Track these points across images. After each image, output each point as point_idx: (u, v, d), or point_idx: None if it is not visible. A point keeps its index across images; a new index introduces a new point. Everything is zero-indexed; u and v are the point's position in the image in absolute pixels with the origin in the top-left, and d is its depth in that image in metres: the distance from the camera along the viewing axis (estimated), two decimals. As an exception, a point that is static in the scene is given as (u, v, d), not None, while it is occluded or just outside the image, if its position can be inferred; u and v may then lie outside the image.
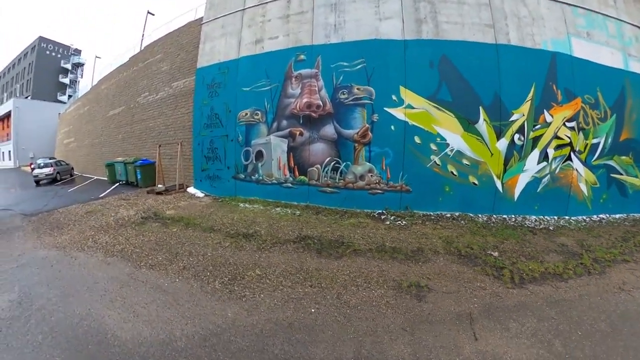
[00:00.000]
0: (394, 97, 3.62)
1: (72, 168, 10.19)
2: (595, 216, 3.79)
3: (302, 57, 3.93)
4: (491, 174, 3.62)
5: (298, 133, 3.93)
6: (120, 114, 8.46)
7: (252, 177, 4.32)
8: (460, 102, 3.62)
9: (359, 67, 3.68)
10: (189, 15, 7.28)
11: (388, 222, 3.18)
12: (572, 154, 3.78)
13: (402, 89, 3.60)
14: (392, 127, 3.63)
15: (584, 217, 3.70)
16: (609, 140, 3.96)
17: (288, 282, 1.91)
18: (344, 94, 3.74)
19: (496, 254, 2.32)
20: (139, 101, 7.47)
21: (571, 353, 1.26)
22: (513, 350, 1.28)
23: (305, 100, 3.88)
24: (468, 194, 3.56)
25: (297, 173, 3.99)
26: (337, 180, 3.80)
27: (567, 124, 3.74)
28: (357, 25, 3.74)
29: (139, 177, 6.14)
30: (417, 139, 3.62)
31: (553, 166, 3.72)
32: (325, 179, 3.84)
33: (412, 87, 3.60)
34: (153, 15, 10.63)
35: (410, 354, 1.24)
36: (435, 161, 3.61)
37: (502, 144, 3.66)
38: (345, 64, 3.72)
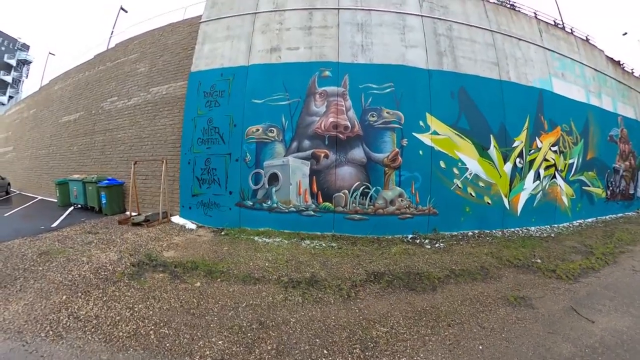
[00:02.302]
0: (421, 123, 3.81)
1: (9, 184, 7.70)
2: (575, 222, 4.95)
3: (327, 73, 3.81)
4: (500, 193, 4.20)
5: (323, 155, 3.68)
6: (78, 121, 6.69)
7: (264, 204, 3.79)
8: (476, 130, 4.08)
9: (387, 90, 3.77)
10: (177, 15, 6.40)
11: (429, 247, 3.25)
12: (556, 172, 4.85)
13: (428, 115, 3.83)
14: (420, 152, 3.77)
15: (567, 224, 4.79)
16: (580, 160, 5.25)
17: (422, 329, 1.69)
18: (373, 117, 3.74)
19: (539, 260, 2.84)
20: (103, 107, 6.03)
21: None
22: (618, 322, 1.78)
23: (331, 119, 3.71)
24: (483, 212, 4.04)
25: (320, 199, 3.69)
26: (366, 206, 3.65)
27: (552, 148, 4.78)
28: (385, 49, 3.89)
29: (103, 200, 4.74)
30: (442, 164, 3.87)
31: (544, 184, 4.66)
32: (354, 205, 3.66)
33: (437, 114, 3.87)
34: (126, 12, 9.07)
35: (569, 341, 1.60)
36: (457, 184, 3.92)
37: (508, 167, 4.32)
38: (374, 86, 3.77)
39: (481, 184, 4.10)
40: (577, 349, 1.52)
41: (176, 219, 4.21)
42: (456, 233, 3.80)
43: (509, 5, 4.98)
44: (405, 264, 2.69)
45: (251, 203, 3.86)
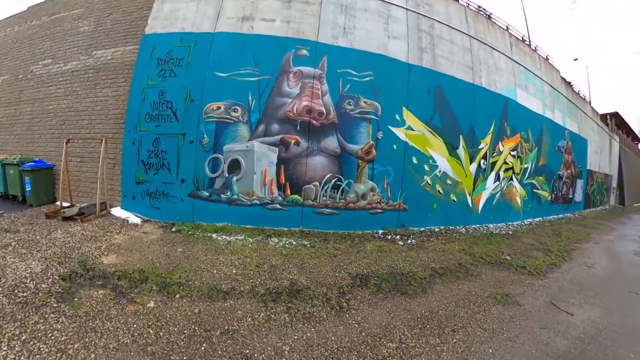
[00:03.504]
0: (397, 117, 3.83)
1: None
2: (526, 221, 5.72)
3: (305, 52, 3.55)
4: (465, 192, 4.55)
5: (294, 142, 3.43)
6: (1, 87, 5.28)
7: (222, 195, 3.39)
8: (447, 129, 4.29)
9: (367, 79, 3.68)
10: None
11: (402, 243, 3.31)
12: (513, 175, 5.50)
13: (404, 110, 3.87)
14: (395, 147, 3.80)
15: (519, 222, 5.48)
16: (533, 165, 6.05)
17: (431, 338, 1.64)
18: (350, 105, 3.61)
19: (508, 257, 3.12)
20: (34, 71, 4.88)
21: (608, 301, 2.33)
22: (591, 313, 2.06)
23: (305, 103, 3.47)
24: (449, 209, 4.32)
25: (288, 191, 3.45)
26: (337, 200, 3.55)
27: (511, 152, 5.37)
28: (368, 35, 3.77)
29: (28, 188, 3.72)
30: (414, 160, 3.97)
31: (502, 185, 5.24)
32: (324, 198, 3.52)
33: (413, 110, 3.93)
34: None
35: (560, 334, 1.79)
36: (427, 181, 4.09)
37: (473, 167, 4.70)
38: (353, 72, 3.63)
39: (449, 181, 4.35)
40: (568, 341, 1.69)
41: (117, 211, 3.53)
42: (424, 229, 3.97)
43: (485, 15, 5.34)
44: (385, 263, 2.64)
45: (207, 194, 3.42)
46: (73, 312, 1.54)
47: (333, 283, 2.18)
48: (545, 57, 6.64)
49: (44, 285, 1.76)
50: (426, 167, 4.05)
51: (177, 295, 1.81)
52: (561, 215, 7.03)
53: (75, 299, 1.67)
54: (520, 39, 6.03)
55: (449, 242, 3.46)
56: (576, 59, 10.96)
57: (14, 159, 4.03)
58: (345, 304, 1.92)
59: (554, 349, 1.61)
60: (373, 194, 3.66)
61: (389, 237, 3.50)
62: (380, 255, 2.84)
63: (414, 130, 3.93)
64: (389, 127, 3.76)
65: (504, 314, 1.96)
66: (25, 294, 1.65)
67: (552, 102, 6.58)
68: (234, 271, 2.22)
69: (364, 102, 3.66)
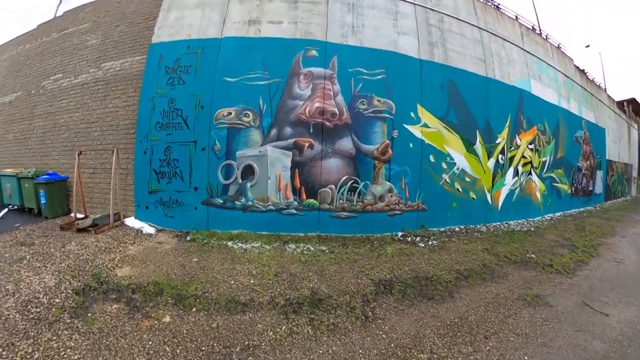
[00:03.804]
0: (412, 115, 3.72)
1: None
2: (546, 216, 5.50)
3: (314, 52, 3.50)
4: (484, 189, 4.40)
5: (307, 145, 3.36)
6: (14, 104, 5.50)
7: (237, 202, 3.34)
8: (463, 125, 4.16)
9: (379, 77, 3.60)
10: None
11: (423, 245, 3.22)
12: (532, 169, 5.30)
13: (419, 107, 3.77)
14: (411, 145, 3.69)
15: (540, 218, 5.27)
16: (551, 158, 5.83)
17: (463, 347, 1.55)
18: (363, 104, 3.53)
19: (533, 255, 3.00)
20: (45, 86, 5.02)
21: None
22: (627, 313, 1.95)
23: (317, 104, 3.41)
24: (468, 207, 4.17)
25: (304, 195, 3.38)
26: (354, 203, 3.45)
27: (529, 146, 5.18)
28: (377, 33, 3.70)
29: (42, 200, 3.82)
30: (431, 158, 3.85)
31: (521, 180, 5.05)
32: (341, 201, 3.42)
33: (427, 106, 3.82)
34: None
35: (597, 337, 1.69)
36: (445, 179, 3.96)
37: (491, 163, 4.54)
38: (364, 70, 3.56)
39: (467, 179, 4.21)
40: (606, 344, 1.59)
41: (131, 222, 3.53)
42: (444, 229, 3.85)
43: (494, 6, 5.22)
44: (408, 267, 2.56)
45: (221, 201, 3.38)
46: (87, 329, 1.50)
47: (356, 290, 2.10)
48: (557, 46, 6.45)
49: (57, 300, 1.74)
50: (444, 165, 3.93)
51: (194, 309, 1.75)
52: (582, 209, 6.76)
53: (89, 314, 1.63)
54: (531, 28, 5.87)
55: (470, 242, 3.37)
56: (588, 46, 10.75)
57: (29, 172, 4.13)
58: (370, 313, 1.83)
59: (592, 353, 1.52)
60: (391, 195, 3.55)
61: (409, 239, 3.40)
62: (402, 259, 2.75)
63: (429, 127, 3.82)
64: (404, 125, 3.67)
65: (535, 316, 1.87)
66: (38, 310, 1.63)
67: (567, 91, 6.37)
68: (252, 281, 2.15)
69: (377, 100, 3.57)
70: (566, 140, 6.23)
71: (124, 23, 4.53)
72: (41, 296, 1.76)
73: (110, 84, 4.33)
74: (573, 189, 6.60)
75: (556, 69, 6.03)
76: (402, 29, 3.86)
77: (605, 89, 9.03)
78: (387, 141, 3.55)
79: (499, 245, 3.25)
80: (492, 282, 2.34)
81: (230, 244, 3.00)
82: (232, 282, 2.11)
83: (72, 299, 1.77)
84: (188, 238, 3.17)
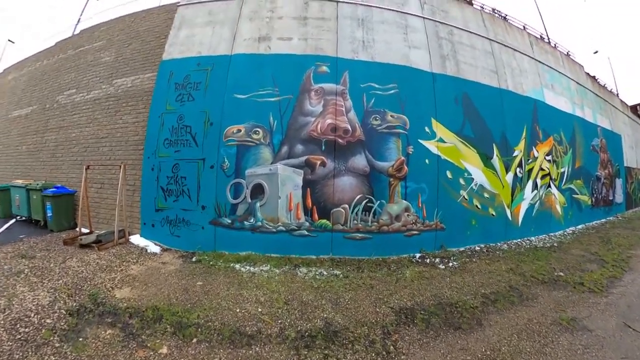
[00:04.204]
0: (426, 129, 3.61)
1: None
2: (568, 230, 5.20)
3: (325, 68, 3.46)
4: (503, 204, 4.18)
5: (319, 162, 3.25)
6: (30, 117, 5.71)
7: (245, 222, 3.20)
8: (479, 138, 4.01)
9: (391, 92, 3.52)
10: (153, 1, 5.77)
11: (443, 267, 3.03)
12: (550, 181, 5.07)
13: (433, 121, 3.65)
14: (427, 161, 3.55)
15: (561, 232, 4.99)
16: (570, 169, 5.59)
17: None
18: (376, 120, 3.43)
19: (562, 273, 2.85)
20: (59, 101, 5.20)
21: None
22: None
23: (329, 121, 3.32)
24: (488, 225, 3.95)
25: (316, 216, 3.22)
26: (369, 223, 3.27)
27: (546, 157, 4.99)
28: (387, 47, 3.67)
29: (49, 213, 3.84)
30: (448, 174, 3.68)
31: (540, 193, 4.82)
32: (355, 222, 3.25)
33: (442, 120, 3.71)
34: (97, -1, 8.06)
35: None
36: (464, 196, 3.77)
37: (510, 177, 4.34)
38: (376, 85, 3.49)
39: (486, 194, 4.02)
40: None
41: (136, 239, 3.44)
42: (463, 248, 3.64)
43: (501, 17, 5.21)
44: (429, 292, 2.38)
45: (229, 221, 3.24)
46: (75, 355, 1.39)
47: (375, 321, 1.91)
48: (566, 53, 6.38)
49: (48, 321, 1.64)
50: (461, 181, 3.76)
51: (195, 340, 1.59)
52: (604, 220, 6.43)
53: (80, 339, 1.52)
54: (539, 37, 5.84)
55: (493, 262, 3.18)
56: (597, 52, 10.72)
57: (37, 184, 4.14)
58: (392, 347, 1.64)
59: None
60: (408, 215, 3.37)
61: (428, 260, 3.20)
62: (422, 283, 2.59)
63: (445, 142, 3.69)
64: (419, 140, 3.54)
65: (575, 344, 1.70)
66: (27, 330, 1.54)
67: (580, 99, 6.23)
68: (260, 309, 1.98)
69: (391, 116, 3.48)
70: (583, 149, 6.02)
71: (137, 41, 4.65)
72: (32, 315, 1.67)
73: (121, 100, 4.39)
74: (593, 199, 6.31)
75: (568, 76, 5.93)
76: (413, 42, 3.83)
77: (617, 94, 8.88)
78: (402, 157, 3.42)
79: (523, 264, 3.07)
80: (522, 306, 2.18)
81: (237, 266, 2.84)
82: (237, 310, 1.95)
83: (64, 320, 1.67)
84: (194, 259, 3.04)
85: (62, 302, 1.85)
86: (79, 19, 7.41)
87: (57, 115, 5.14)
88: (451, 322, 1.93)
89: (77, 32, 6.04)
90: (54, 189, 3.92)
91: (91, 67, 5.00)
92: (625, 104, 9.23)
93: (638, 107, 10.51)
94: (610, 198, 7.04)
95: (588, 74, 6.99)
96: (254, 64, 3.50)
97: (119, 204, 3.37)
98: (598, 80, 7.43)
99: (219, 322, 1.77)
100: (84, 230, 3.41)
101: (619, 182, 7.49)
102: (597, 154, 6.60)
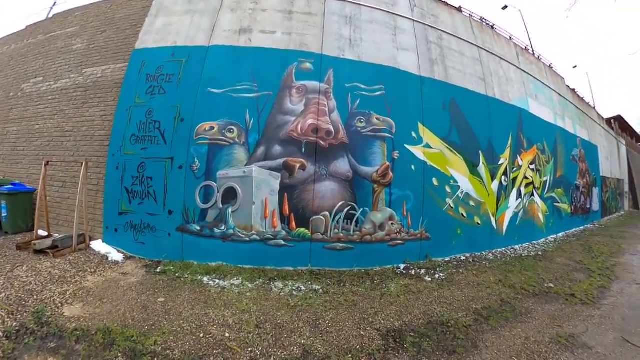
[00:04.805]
0: (413, 134, 3.48)
1: None
2: (550, 237, 5.29)
3: (308, 65, 3.25)
4: (489, 213, 4.15)
5: (299, 166, 3.01)
6: None
7: (216, 229, 2.90)
8: (466, 145, 3.95)
9: (377, 93, 3.37)
10: None
11: (429, 279, 2.90)
12: (534, 190, 5.14)
13: (420, 126, 3.54)
14: (413, 167, 3.42)
15: (543, 240, 5.06)
16: (551, 177, 5.73)
17: None
18: (361, 122, 3.26)
19: (552, 285, 2.83)
20: (24, 89, 4.72)
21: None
22: None
23: (311, 121, 3.11)
24: (473, 233, 3.88)
25: (294, 224, 2.98)
26: (351, 232, 3.07)
27: (530, 166, 5.06)
28: (376, 47, 3.53)
29: (3, 213, 3.45)
30: (435, 181, 3.58)
31: (524, 201, 4.87)
32: (336, 230, 3.04)
33: (429, 126, 3.60)
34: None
35: None
36: (450, 204, 3.68)
37: (495, 185, 4.33)
38: (362, 86, 3.33)
39: (472, 203, 3.96)
40: None
41: (98, 245, 3.08)
42: (449, 258, 3.55)
43: (489, 26, 5.29)
44: (418, 309, 2.22)
45: (198, 228, 2.93)
46: None
47: (360, 347, 1.69)
48: (549, 65, 6.62)
49: None
50: (447, 189, 3.67)
51: None
52: (582, 227, 6.68)
53: None
54: (524, 48, 6.00)
55: (480, 273, 3.11)
56: (575, 66, 11.41)
57: None
58: None
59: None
60: (392, 223, 3.21)
61: (413, 272, 3.06)
62: (409, 299, 2.43)
63: (432, 148, 3.58)
64: (405, 145, 3.41)
65: None
66: None
67: (562, 110, 6.45)
68: (227, 334, 1.71)
69: (377, 118, 3.32)
70: (564, 159, 6.22)
71: (111, 28, 4.28)
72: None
73: (89, 91, 4.00)
74: (573, 207, 6.53)
75: (550, 88, 6.13)
76: (402, 44, 3.72)
77: (594, 107, 9.39)
78: (388, 163, 3.26)
79: (512, 275, 3.03)
80: (517, 322, 2.08)
81: (206, 279, 2.55)
82: (201, 335, 1.69)
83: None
84: (158, 269, 2.73)
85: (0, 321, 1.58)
86: (55, 1, 6.88)
87: (20, 105, 4.65)
88: (444, 345, 1.76)
89: (51, 15, 5.56)
90: (10, 186, 3.58)
91: (61, 55, 4.57)
92: (601, 116, 9.78)
93: (612, 120, 11.25)
94: (588, 206, 7.34)
95: (568, 86, 7.30)
96: (233, 57, 3.24)
97: (79, 205, 3.01)
98: (577, 93, 7.79)
99: (179, 350, 1.53)
100: (42, 233, 3.10)
101: (595, 191, 7.84)
102: (577, 164, 6.86)
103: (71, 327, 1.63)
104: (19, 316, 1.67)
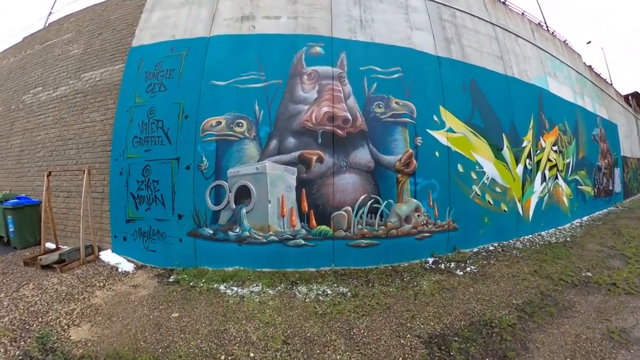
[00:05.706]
0: (435, 118, 3.24)
1: None
2: (575, 222, 5.03)
3: (319, 49, 3.01)
4: (514, 199, 3.90)
5: (316, 158, 2.79)
6: None
7: (230, 232, 2.70)
8: (489, 128, 3.70)
9: (395, 75, 3.13)
10: None
11: (461, 273, 2.70)
12: (557, 173, 4.85)
13: (442, 109, 3.30)
14: (437, 154, 3.18)
15: (568, 225, 4.82)
16: (574, 159, 5.42)
17: None
18: (380, 107, 3.02)
19: (589, 273, 2.68)
20: (25, 100, 4.68)
21: None
22: None
23: (326, 109, 2.87)
24: (500, 221, 3.67)
25: (314, 221, 2.76)
26: (376, 227, 2.85)
27: (553, 148, 4.79)
28: (388, 28, 3.28)
29: (10, 228, 3.38)
30: (460, 168, 3.34)
31: (549, 185, 4.60)
32: (360, 226, 2.82)
33: (450, 108, 3.36)
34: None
35: None
36: (476, 191, 3.46)
37: (520, 169, 4.07)
38: (378, 69, 3.09)
39: (498, 189, 3.72)
40: None
41: (107, 255, 2.93)
42: (477, 249, 3.34)
43: (501, 1, 5.01)
44: (457, 309, 2.05)
45: (211, 231, 2.73)
46: None
47: (403, 359, 1.52)
48: (564, 42, 6.30)
49: None
50: (473, 175, 3.43)
51: None
52: (606, 210, 6.37)
53: None
54: (538, 24, 5.70)
55: (513, 264, 2.94)
56: (589, 42, 10.97)
57: None
58: None
59: None
60: (418, 215, 2.98)
61: (442, 265, 2.85)
62: (445, 297, 2.24)
63: (455, 132, 3.34)
64: (428, 130, 3.17)
65: None
66: None
67: (581, 88, 6.14)
68: (252, 354, 1.52)
69: (396, 102, 3.08)
70: (585, 139, 5.91)
71: (107, 30, 4.15)
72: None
73: (88, 96, 3.88)
74: (595, 190, 6.23)
75: (568, 65, 5.82)
76: (415, 24, 3.47)
77: (611, 83, 9.02)
78: (411, 150, 3.02)
79: (546, 265, 2.85)
80: (563, 318, 1.95)
81: (222, 287, 2.36)
82: (222, 358, 1.50)
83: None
84: (171, 279, 2.55)
85: (1, 349, 1.46)
86: (50, 11, 6.78)
87: (22, 117, 4.61)
88: (493, 349, 1.59)
89: (47, 24, 5.49)
90: (16, 200, 3.45)
91: (59, 62, 4.50)
92: (619, 93, 9.40)
93: (630, 97, 10.82)
94: (610, 188, 7.03)
95: (585, 63, 6.97)
96: (236, 46, 3.02)
97: (84, 215, 2.87)
98: (594, 70, 7.45)
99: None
100: (51, 246, 3.01)
101: (617, 172, 7.52)
102: (598, 144, 6.55)
103: (78, 353, 1.49)
104: (22, 343, 1.54)
